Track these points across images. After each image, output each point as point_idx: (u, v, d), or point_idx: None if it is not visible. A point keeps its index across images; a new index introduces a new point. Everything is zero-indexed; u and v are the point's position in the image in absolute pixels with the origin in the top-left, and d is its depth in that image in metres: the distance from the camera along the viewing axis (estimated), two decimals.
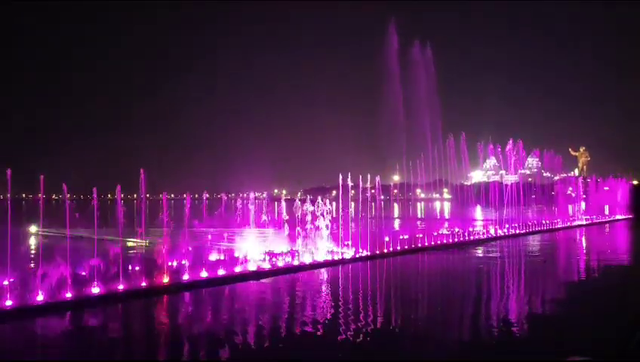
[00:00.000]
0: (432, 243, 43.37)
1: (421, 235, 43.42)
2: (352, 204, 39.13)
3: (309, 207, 33.97)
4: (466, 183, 68.40)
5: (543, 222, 64.69)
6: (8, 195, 21.36)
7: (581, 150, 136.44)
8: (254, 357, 15.65)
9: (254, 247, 31.33)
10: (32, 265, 27.49)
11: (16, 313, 19.98)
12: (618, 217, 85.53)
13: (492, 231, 53.16)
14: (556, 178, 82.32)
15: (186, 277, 25.81)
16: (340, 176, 37.89)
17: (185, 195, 29.34)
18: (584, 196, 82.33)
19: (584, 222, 74.40)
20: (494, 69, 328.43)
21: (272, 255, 31.46)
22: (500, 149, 63.19)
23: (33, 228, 48.75)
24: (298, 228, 33.67)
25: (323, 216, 34.15)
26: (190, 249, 29.19)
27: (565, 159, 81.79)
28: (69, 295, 21.47)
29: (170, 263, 26.22)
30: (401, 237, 41.01)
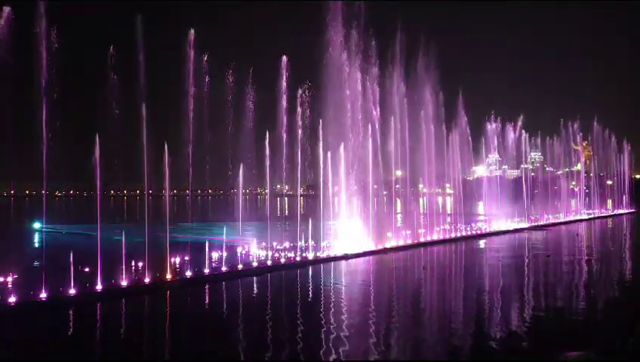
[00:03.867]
0: (437, 237, 43.80)
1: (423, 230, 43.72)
2: (355, 199, 39.20)
3: None
4: (468, 178, 68.33)
5: (546, 216, 64.78)
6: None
7: (584, 144, 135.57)
8: None
9: None
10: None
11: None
12: (620, 211, 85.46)
13: (495, 226, 53.33)
14: (559, 172, 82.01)
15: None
16: (342, 172, 37.91)
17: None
18: (586, 190, 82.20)
19: (586, 217, 74.37)
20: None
21: None
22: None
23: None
24: None
25: None
26: None
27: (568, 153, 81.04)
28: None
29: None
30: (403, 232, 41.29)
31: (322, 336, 16.92)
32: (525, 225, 58.23)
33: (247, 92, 34.32)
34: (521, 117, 67.29)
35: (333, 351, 15.39)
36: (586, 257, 37.33)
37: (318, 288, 25.75)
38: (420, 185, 49.86)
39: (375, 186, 41.37)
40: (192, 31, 29.32)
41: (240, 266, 28.40)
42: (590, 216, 75.46)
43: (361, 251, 35.75)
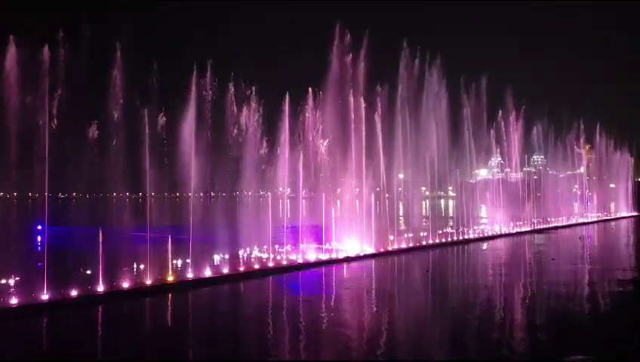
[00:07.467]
0: (438, 240, 43.82)
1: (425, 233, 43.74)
2: (357, 201, 39.17)
3: None
4: (471, 180, 67.91)
5: (549, 219, 64.56)
6: None
7: (587, 147, 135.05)
8: None
9: None
10: None
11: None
12: (623, 215, 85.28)
13: (497, 229, 53.24)
14: (562, 175, 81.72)
15: None
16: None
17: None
18: (589, 193, 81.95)
19: (588, 220, 74.14)
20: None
21: None
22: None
23: None
24: None
25: None
26: None
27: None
28: None
29: None
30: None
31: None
32: (527, 228, 58.11)
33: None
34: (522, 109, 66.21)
35: None
36: (589, 260, 37.27)
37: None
38: (423, 188, 49.70)
39: (377, 189, 41.26)
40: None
41: (241, 268, 28.47)
42: (592, 220, 75.25)
43: (362, 254, 35.68)
